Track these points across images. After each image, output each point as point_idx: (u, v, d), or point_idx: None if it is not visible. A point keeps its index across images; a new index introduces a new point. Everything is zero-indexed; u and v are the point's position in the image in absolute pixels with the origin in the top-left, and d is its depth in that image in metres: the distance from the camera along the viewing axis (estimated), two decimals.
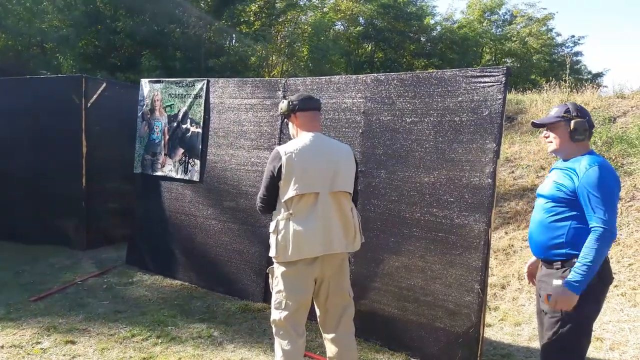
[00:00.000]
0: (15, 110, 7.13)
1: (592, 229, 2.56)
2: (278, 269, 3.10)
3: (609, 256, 2.78)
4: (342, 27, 25.83)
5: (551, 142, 2.86)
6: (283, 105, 3.23)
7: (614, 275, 2.91)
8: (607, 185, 2.59)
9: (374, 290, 4.25)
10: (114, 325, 4.46)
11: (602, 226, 2.53)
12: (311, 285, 3.10)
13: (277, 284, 3.11)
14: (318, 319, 3.27)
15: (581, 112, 2.79)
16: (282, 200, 3.03)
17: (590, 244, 2.54)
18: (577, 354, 2.75)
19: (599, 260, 2.53)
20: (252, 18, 19.99)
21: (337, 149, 3.17)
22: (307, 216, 2.99)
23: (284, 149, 3.04)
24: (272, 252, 3.09)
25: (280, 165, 2.99)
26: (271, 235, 3.09)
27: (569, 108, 2.80)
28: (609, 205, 2.56)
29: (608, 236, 2.53)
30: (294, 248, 2.97)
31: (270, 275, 3.20)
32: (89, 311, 4.78)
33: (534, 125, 3.01)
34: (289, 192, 2.98)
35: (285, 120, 3.35)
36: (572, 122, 2.74)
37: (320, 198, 2.99)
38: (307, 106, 3.21)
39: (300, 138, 3.13)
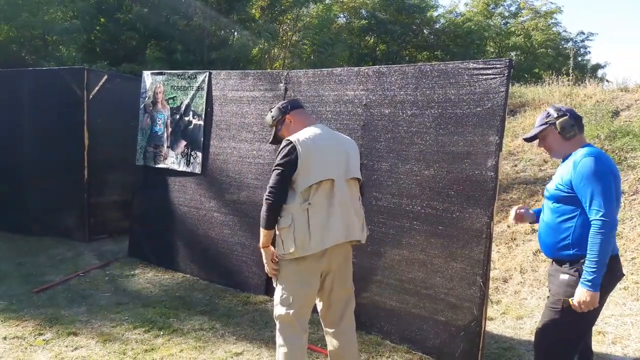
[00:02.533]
0: (17, 103, 7.15)
1: (592, 223, 2.58)
2: (285, 265, 3.02)
3: (620, 253, 2.79)
4: (344, 19, 25.70)
5: (547, 149, 2.95)
6: (273, 112, 3.21)
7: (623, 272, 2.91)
8: (602, 176, 2.61)
9: (375, 284, 4.24)
10: (116, 317, 4.48)
11: (600, 218, 2.55)
12: (318, 280, 3.06)
13: (283, 280, 3.05)
14: (319, 312, 3.24)
15: (561, 110, 2.85)
16: (299, 191, 2.89)
17: (591, 239, 2.57)
18: (567, 345, 2.80)
19: (604, 252, 2.55)
20: (257, 14, 19.92)
21: (343, 138, 3.21)
22: (327, 205, 2.92)
23: (296, 138, 2.95)
24: (287, 249, 2.89)
25: (297, 155, 2.87)
26: (284, 230, 2.91)
27: (549, 112, 2.88)
28: (605, 195, 2.57)
29: (608, 227, 2.54)
30: (314, 240, 2.87)
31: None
32: (91, 303, 4.79)
33: (526, 140, 3.05)
34: (308, 180, 2.88)
35: (279, 127, 3.22)
36: (557, 122, 2.81)
37: (336, 185, 2.95)
38: (298, 104, 3.25)
39: (308, 129, 3.08)
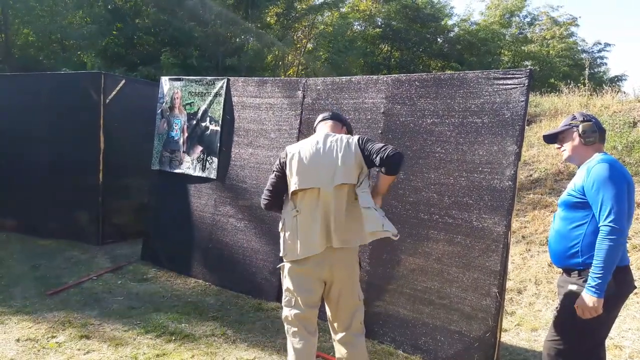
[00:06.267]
0: (34, 106, 7.21)
1: (600, 228, 2.56)
2: (287, 267, 3.13)
3: (638, 266, 2.75)
4: (359, 27, 25.75)
5: (564, 150, 2.93)
6: None
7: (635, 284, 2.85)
8: (615, 182, 2.59)
9: (389, 292, 4.21)
10: (128, 321, 4.48)
11: (609, 224, 2.53)
12: (319, 285, 3.10)
13: (285, 282, 3.15)
14: (328, 321, 3.26)
15: (588, 116, 2.87)
16: (289, 198, 3.09)
17: (598, 244, 2.55)
18: (576, 357, 2.75)
19: (610, 259, 2.52)
20: (272, 21, 20.03)
21: (336, 143, 3.07)
22: (311, 212, 3.01)
23: (289, 148, 3.17)
24: (281, 251, 3.16)
25: (284, 162, 3.09)
26: (280, 233, 3.16)
27: (575, 116, 2.90)
28: (616, 202, 2.55)
29: (616, 234, 2.51)
30: (302, 246, 3.01)
31: (281, 272, 3.23)
32: (103, 306, 4.80)
33: (546, 138, 3.05)
34: (292, 186, 3.04)
35: None
36: (580, 126, 2.81)
37: (322, 193, 2.99)
38: (323, 118, 3.36)
39: (308, 139, 3.23)
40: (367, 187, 3.04)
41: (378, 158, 2.91)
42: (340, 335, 3.18)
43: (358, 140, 3.03)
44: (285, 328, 3.15)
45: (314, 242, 2.99)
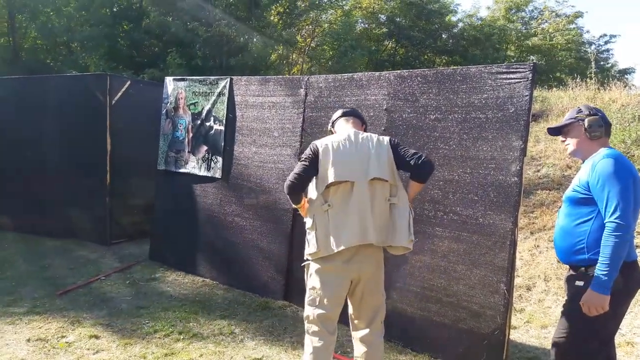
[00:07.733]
0: (41, 108, 7.25)
1: (606, 225, 2.54)
2: (313, 266, 3.07)
3: None
4: (363, 24, 25.67)
5: (569, 144, 2.88)
6: (329, 125, 3.45)
7: None
8: (621, 178, 2.55)
9: (396, 290, 4.20)
10: (137, 320, 4.50)
11: (615, 220, 2.50)
12: (347, 285, 3.07)
13: (311, 281, 3.10)
14: (349, 317, 3.24)
15: (594, 110, 2.81)
16: (320, 192, 3.01)
17: (604, 241, 2.52)
18: (585, 354, 2.72)
19: (616, 255, 2.50)
20: (275, 19, 20.03)
21: (368, 140, 3.12)
22: (344, 206, 2.97)
23: (319, 142, 3.12)
24: (312, 249, 3.02)
25: (317, 150, 3.04)
26: (309, 231, 3.06)
27: (581, 109, 2.84)
28: (622, 198, 2.52)
29: (622, 230, 2.49)
30: (335, 239, 2.94)
31: (305, 270, 3.20)
32: (112, 306, 4.82)
33: (550, 131, 3.02)
34: (326, 180, 2.98)
35: None
36: (586, 120, 2.76)
37: (356, 187, 2.96)
38: (344, 114, 3.36)
39: (335, 134, 3.24)
40: (404, 190, 3.10)
41: (412, 162, 3.00)
42: (361, 333, 3.16)
43: (390, 139, 3.12)
44: (305, 326, 3.12)
45: (348, 235, 2.93)
